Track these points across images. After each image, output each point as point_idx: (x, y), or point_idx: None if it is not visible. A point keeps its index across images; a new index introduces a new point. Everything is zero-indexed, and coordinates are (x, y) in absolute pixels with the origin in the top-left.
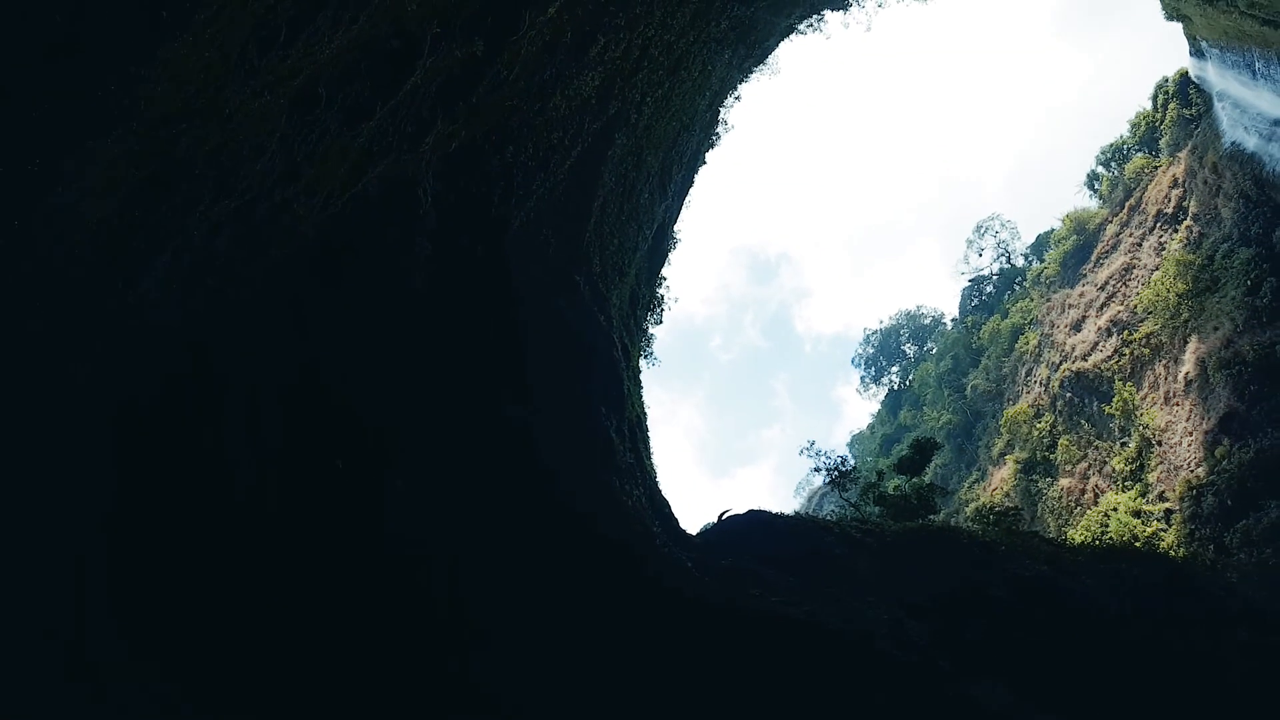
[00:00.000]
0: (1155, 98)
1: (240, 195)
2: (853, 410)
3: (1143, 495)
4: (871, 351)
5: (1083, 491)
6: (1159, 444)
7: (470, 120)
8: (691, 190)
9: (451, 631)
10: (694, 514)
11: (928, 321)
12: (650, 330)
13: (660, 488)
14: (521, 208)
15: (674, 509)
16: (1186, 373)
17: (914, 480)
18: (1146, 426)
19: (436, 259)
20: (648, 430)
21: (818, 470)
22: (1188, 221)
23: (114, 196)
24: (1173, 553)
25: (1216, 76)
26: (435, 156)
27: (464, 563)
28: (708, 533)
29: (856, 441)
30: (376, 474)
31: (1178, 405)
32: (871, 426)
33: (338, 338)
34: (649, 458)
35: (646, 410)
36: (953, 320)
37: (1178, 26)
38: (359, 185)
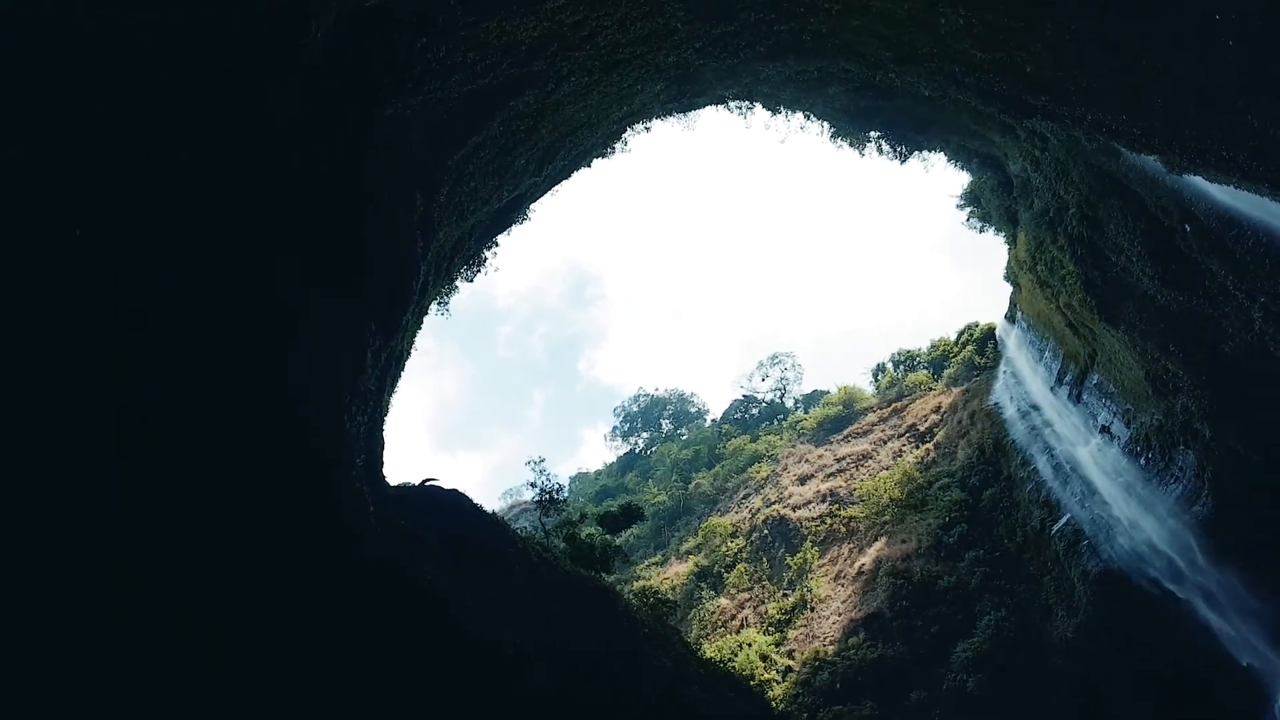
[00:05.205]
0: (960, 335)
1: None
2: (590, 451)
3: (777, 645)
4: (635, 410)
5: (734, 617)
6: (812, 610)
7: None
8: (565, 183)
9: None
10: (403, 469)
11: (693, 410)
12: (458, 283)
13: (384, 427)
14: (404, 101)
15: (385, 453)
16: (863, 564)
17: (607, 537)
18: (810, 591)
19: (301, 98)
20: (403, 369)
21: (533, 485)
22: (930, 445)
23: None
24: (774, 704)
25: (1014, 346)
26: (349, 4)
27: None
28: (406, 490)
29: (579, 479)
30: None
31: (842, 586)
32: (598, 473)
33: (166, 116)
34: (390, 394)
35: (412, 351)
36: (713, 421)
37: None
38: None
